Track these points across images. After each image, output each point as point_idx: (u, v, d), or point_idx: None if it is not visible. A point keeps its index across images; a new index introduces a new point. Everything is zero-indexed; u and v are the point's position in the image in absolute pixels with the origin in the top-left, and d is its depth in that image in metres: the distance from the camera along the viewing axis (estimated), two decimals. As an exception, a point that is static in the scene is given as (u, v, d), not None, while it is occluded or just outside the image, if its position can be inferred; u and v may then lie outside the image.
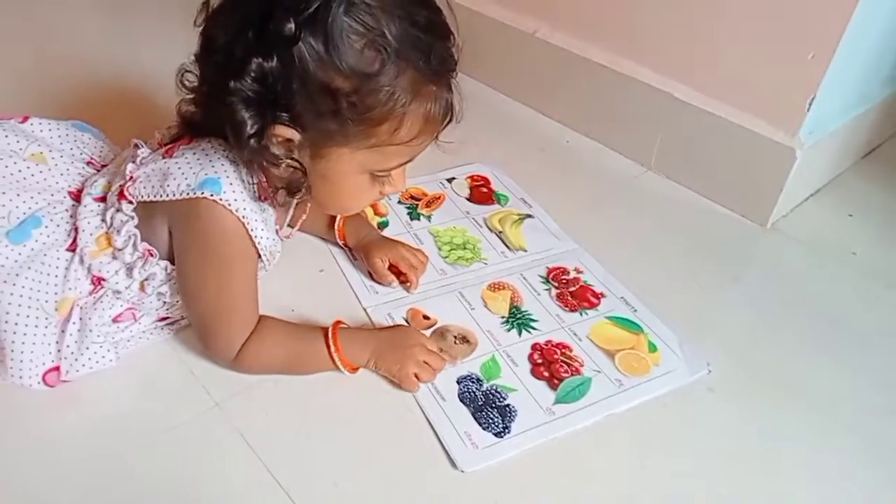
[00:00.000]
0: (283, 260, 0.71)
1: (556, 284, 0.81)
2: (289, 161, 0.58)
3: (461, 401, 0.67)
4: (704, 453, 0.65)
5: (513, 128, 1.09)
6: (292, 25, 0.52)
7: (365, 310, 0.75)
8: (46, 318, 0.62)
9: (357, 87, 0.54)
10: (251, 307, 0.66)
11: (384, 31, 0.54)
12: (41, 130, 0.69)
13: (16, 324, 0.61)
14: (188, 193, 0.59)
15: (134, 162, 0.64)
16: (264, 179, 0.62)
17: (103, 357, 0.65)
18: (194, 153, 0.61)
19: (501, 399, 0.67)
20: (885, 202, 1.00)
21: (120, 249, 0.63)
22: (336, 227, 0.81)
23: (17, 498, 0.57)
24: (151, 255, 0.64)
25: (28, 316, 0.61)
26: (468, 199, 0.93)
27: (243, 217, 0.60)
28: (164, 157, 0.63)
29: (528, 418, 0.65)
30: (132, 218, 0.63)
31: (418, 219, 0.89)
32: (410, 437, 0.64)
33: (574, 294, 0.80)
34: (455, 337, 0.73)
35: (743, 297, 0.83)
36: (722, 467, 0.64)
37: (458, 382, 0.68)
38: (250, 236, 0.62)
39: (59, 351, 0.63)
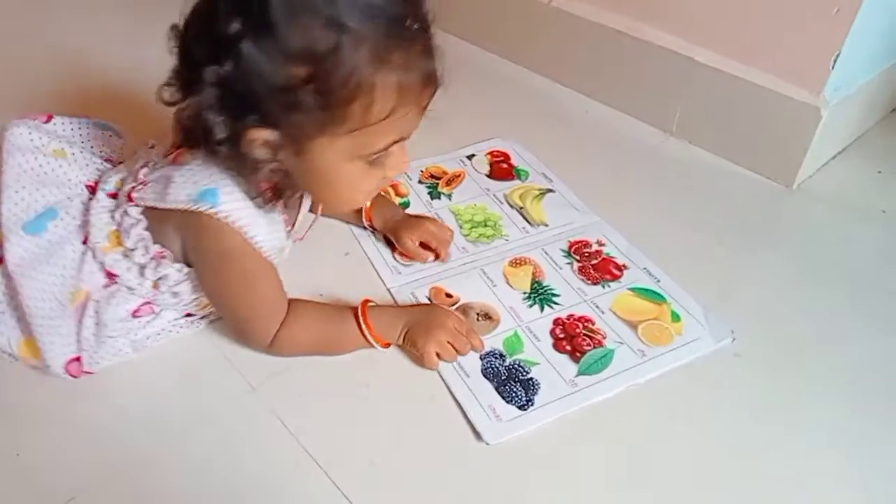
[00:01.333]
0: (309, 245, 0.72)
1: (577, 258, 0.81)
2: (269, 165, 0.57)
3: (484, 376, 0.68)
4: (731, 419, 0.66)
5: (531, 100, 1.08)
6: (237, 24, 0.50)
7: (389, 290, 0.77)
8: (64, 310, 0.63)
9: (313, 71, 0.51)
10: (277, 299, 0.66)
11: (330, 3, 0.51)
12: (64, 129, 0.71)
13: (40, 316, 0.62)
14: (188, 205, 0.59)
15: (147, 166, 0.65)
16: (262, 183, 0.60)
17: (120, 350, 0.67)
18: (197, 161, 0.61)
19: (524, 373, 0.68)
20: (916, 157, 0.98)
21: (132, 250, 0.64)
22: (364, 210, 0.82)
23: (58, 485, 0.59)
24: (164, 257, 0.64)
25: (50, 308, 0.63)
26: (488, 176, 0.94)
27: (242, 227, 0.59)
28: (172, 164, 0.63)
29: (551, 391, 0.67)
30: (140, 221, 0.63)
31: (439, 197, 0.90)
32: (441, 414, 0.65)
33: (596, 267, 0.80)
34: (478, 314, 0.74)
35: (769, 260, 0.83)
36: (748, 433, 0.65)
37: (482, 358, 0.70)
38: (251, 244, 0.61)
39: (78, 342, 0.65)
